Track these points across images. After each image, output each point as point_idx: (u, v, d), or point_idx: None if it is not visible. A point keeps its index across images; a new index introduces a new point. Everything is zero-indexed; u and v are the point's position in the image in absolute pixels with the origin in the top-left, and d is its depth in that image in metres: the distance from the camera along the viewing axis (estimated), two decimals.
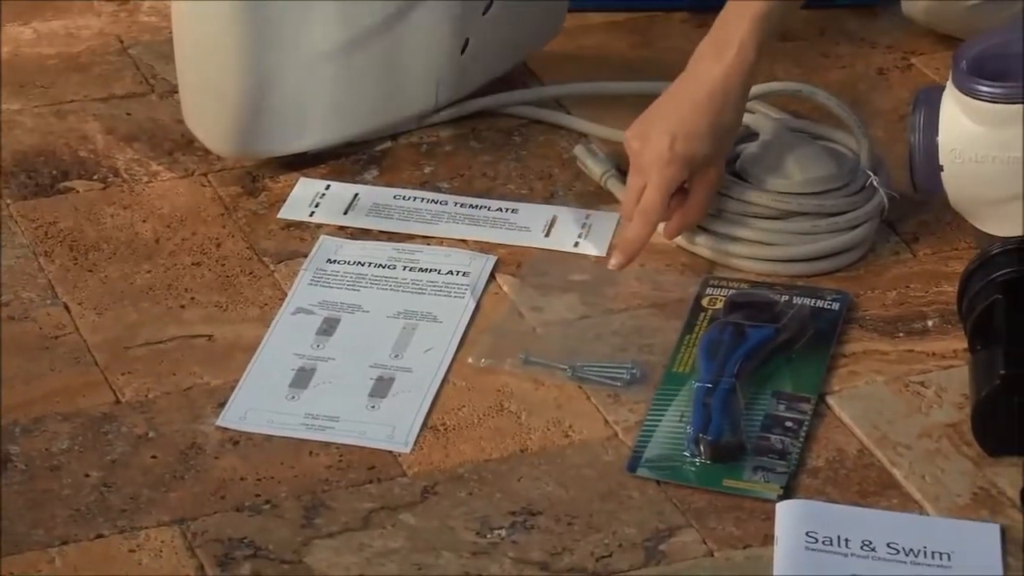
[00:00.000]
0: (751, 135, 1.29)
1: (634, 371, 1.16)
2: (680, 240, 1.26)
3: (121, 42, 1.47)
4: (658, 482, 1.09)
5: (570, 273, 1.25)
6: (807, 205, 1.24)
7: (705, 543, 1.05)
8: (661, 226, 1.22)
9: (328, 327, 1.20)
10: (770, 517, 1.06)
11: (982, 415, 1.09)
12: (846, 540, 1.04)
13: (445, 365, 1.17)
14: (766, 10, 1.16)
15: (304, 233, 1.29)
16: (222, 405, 1.14)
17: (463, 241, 1.28)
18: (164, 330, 1.20)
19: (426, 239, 1.28)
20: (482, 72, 1.38)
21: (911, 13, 1.44)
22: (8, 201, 1.31)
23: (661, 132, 1.17)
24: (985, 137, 1.19)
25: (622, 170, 1.32)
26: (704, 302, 1.21)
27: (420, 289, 1.23)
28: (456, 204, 1.31)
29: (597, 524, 1.06)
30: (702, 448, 1.09)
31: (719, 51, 1.17)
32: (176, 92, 1.36)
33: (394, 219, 1.30)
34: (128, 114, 1.40)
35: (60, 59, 1.45)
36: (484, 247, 1.27)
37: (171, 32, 1.32)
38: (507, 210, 1.30)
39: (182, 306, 1.22)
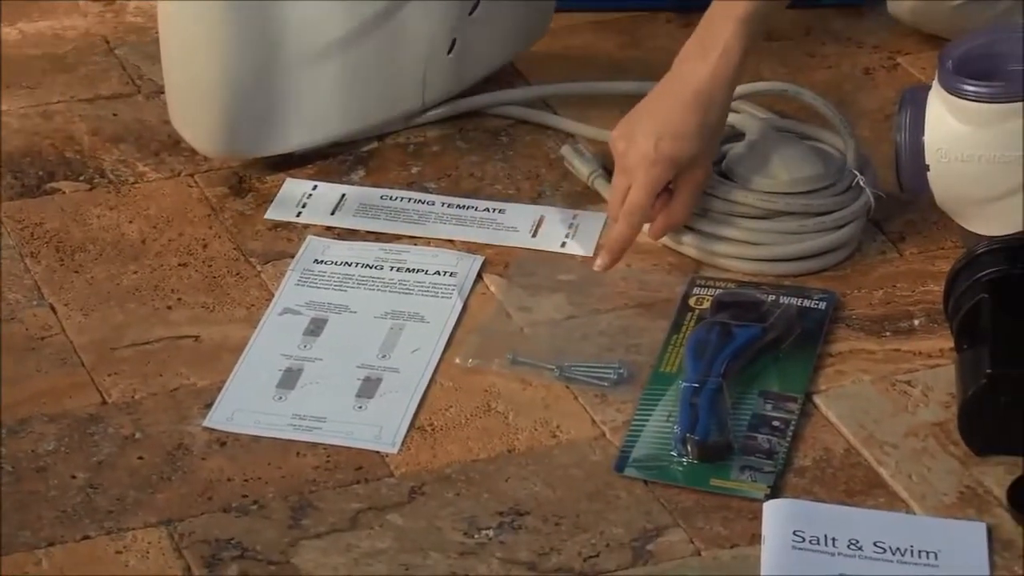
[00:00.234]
0: (737, 135, 1.29)
1: (621, 371, 1.16)
2: (667, 240, 1.26)
3: (107, 43, 1.47)
4: (645, 482, 1.09)
5: (557, 273, 1.25)
6: (794, 205, 1.24)
7: (692, 543, 1.05)
8: (647, 227, 1.22)
9: (315, 327, 1.20)
10: (757, 516, 1.06)
11: (968, 414, 1.10)
12: (833, 539, 1.04)
13: (432, 365, 1.17)
14: (751, 10, 1.17)
15: (291, 233, 1.29)
16: (209, 406, 1.14)
17: (450, 241, 1.28)
18: (151, 331, 1.20)
19: (413, 239, 1.28)
20: (469, 72, 1.38)
21: (897, 13, 1.44)
22: None
23: (647, 132, 1.18)
24: (971, 136, 1.19)
25: (609, 170, 1.32)
26: (691, 302, 1.21)
27: (407, 289, 1.23)
28: (443, 204, 1.31)
29: (584, 524, 1.06)
30: (689, 448, 1.09)
31: (704, 51, 1.17)
32: (162, 93, 1.36)
33: (381, 219, 1.30)
34: (114, 115, 1.40)
35: (46, 60, 1.45)
36: (471, 247, 1.27)
37: (157, 32, 1.32)
38: (494, 210, 1.30)
39: (169, 307, 1.22)
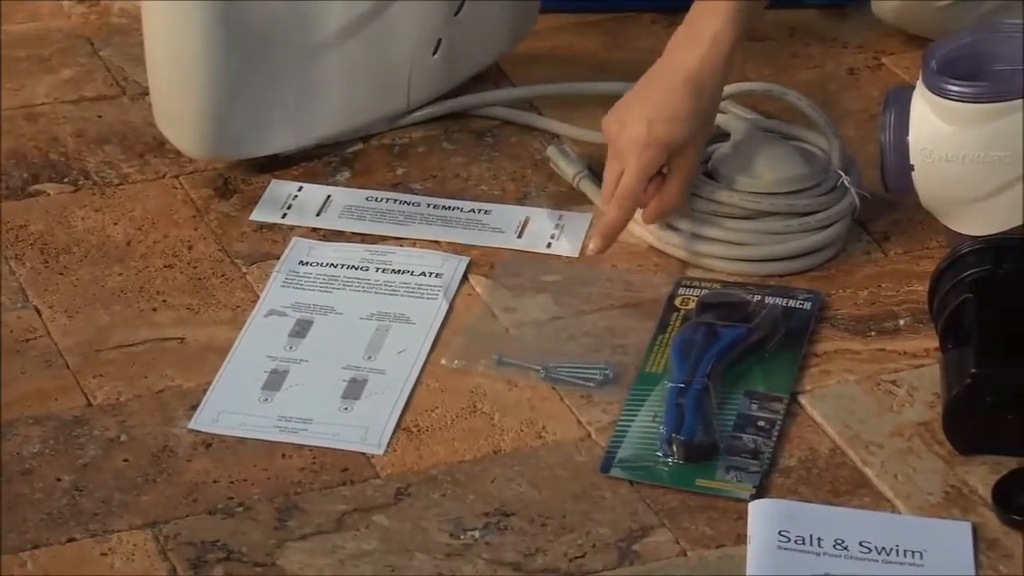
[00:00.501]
0: (722, 135, 1.30)
1: (607, 371, 1.16)
2: (652, 240, 1.26)
3: (92, 44, 1.47)
4: (631, 482, 1.09)
5: (543, 274, 1.25)
6: (779, 205, 1.25)
7: (678, 543, 1.05)
8: (639, 214, 1.22)
9: (301, 329, 1.20)
10: (743, 516, 1.06)
11: (953, 414, 1.10)
12: (818, 539, 1.04)
13: (418, 366, 1.17)
14: (735, 7, 1.17)
15: (276, 235, 1.29)
16: (194, 408, 1.14)
17: (436, 242, 1.28)
18: (136, 333, 1.20)
19: (399, 240, 1.28)
20: (454, 73, 1.38)
21: (881, 13, 1.44)
22: None
23: (639, 117, 1.18)
24: (955, 136, 1.19)
25: (595, 171, 1.32)
26: (677, 302, 1.21)
27: (393, 291, 1.23)
28: (429, 205, 1.31)
29: (570, 525, 1.06)
30: (675, 448, 1.10)
31: (693, 39, 1.18)
32: (147, 94, 1.35)
33: (367, 220, 1.30)
34: (99, 116, 1.40)
35: (30, 61, 1.45)
36: (457, 248, 1.27)
37: (142, 34, 1.32)
38: (480, 211, 1.30)
39: (154, 309, 1.22)
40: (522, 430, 1.13)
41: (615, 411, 1.14)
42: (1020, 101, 1.18)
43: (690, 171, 1.20)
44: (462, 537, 1.05)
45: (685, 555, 1.05)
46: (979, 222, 1.21)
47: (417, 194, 1.32)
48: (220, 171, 1.34)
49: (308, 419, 1.13)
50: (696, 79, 1.17)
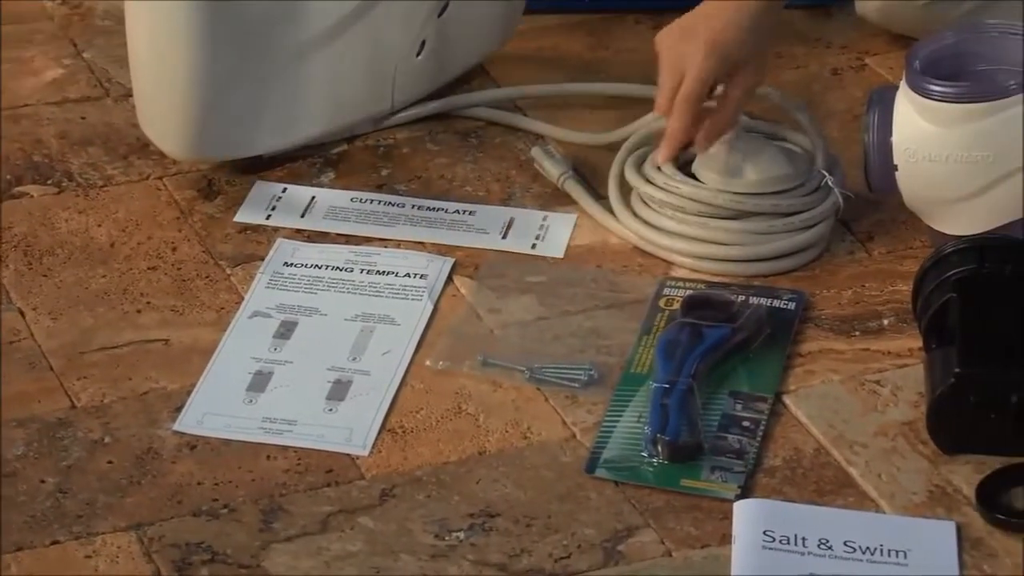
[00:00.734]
0: None
1: (592, 372, 1.16)
2: (636, 240, 1.26)
3: (75, 46, 1.47)
4: (616, 483, 1.09)
5: (528, 275, 1.25)
6: (763, 205, 1.25)
7: (663, 543, 1.05)
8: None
9: (285, 330, 1.20)
10: (728, 516, 1.06)
11: (937, 413, 1.10)
12: (803, 539, 1.04)
13: (403, 368, 1.17)
14: None
15: (260, 236, 1.28)
16: (179, 409, 1.14)
17: (420, 243, 1.28)
18: (120, 335, 1.20)
19: (383, 242, 1.28)
20: (438, 74, 1.38)
21: (864, 12, 1.45)
22: None
23: (703, 27, 1.19)
24: (939, 137, 1.20)
25: (579, 171, 1.32)
26: (661, 303, 1.21)
27: (378, 292, 1.23)
28: (413, 206, 1.31)
29: (556, 525, 1.06)
30: (660, 448, 1.10)
31: None
32: (131, 96, 1.35)
33: (351, 222, 1.30)
34: (83, 118, 1.39)
35: (13, 64, 1.44)
36: (442, 249, 1.27)
37: (125, 36, 1.31)
38: (464, 212, 1.30)
39: (138, 311, 1.22)
40: (507, 431, 1.13)
41: (600, 412, 1.14)
42: (1003, 101, 1.18)
43: (748, 90, 1.22)
44: (447, 538, 1.05)
45: (670, 555, 1.05)
46: (963, 222, 1.21)
47: (402, 195, 1.32)
48: (204, 172, 1.34)
49: (293, 420, 1.13)
50: (754, 10, 1.19)
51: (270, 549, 1.05)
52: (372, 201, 1.31)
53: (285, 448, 1.11)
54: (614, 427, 1.12)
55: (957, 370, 1.09)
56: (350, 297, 1.23)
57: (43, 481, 1.09)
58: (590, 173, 1.32)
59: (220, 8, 1.27)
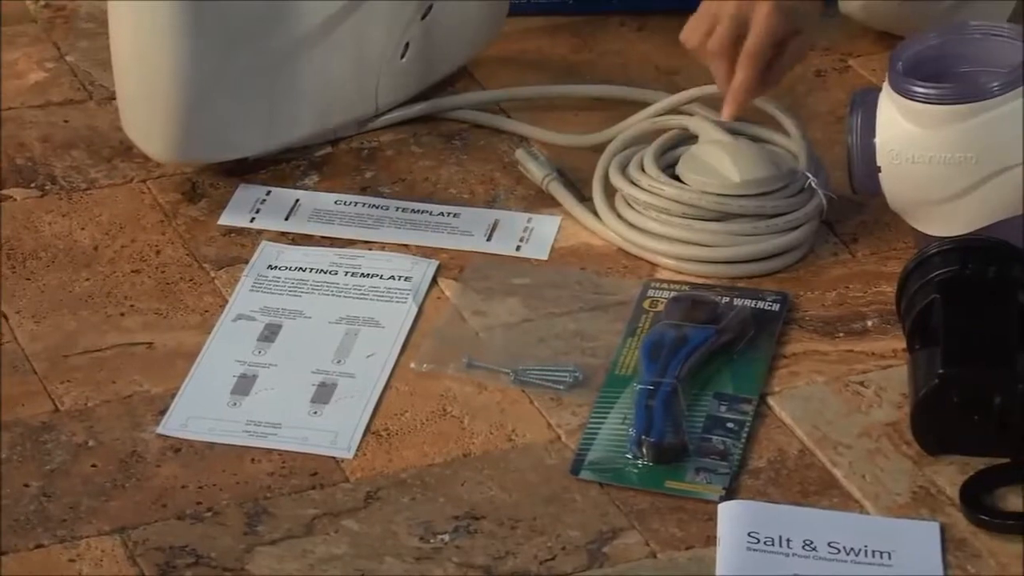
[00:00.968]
0: (690, 137, 1.30)
1: (576, 374, 1.16)
2: (621, 242, 1.26)
3: (58, 49, 1.46)
4: (601, 484, 1.09)
5: (512, 277, 1.25)
6: (747, 207, 1.25)
7: (648, 545, 1.05)
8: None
9: (270, 333, 1.20)
10: (712, 518, 1.06)
11: (921, 414, 1.10)
12: (787, 540, 1.04)
13: (387, 370, 1.17)
14: None
15: (245, 239, 1.28)
16: (163, 413, 1.14)
17: (405, 246, 1.28)
18: (103, 338, 1.19)
19: (368, 244, 1.28)
20: (422, 77, 1.38)
21: (847, 9, 1.45)
22: None
23: None
24: (922, 138, 1.20)
25: (563, 173, 1.32)
26: (646, 304, 1.22)
27: (362, 294, 1.23)
28: (397, 209, 1.31)
29: (540, 527, 1.06)
30: (644, 450, 1.10)
31: None
32: (114, 99, 1.35)
33: (335, 224, 1.29)
34: (66, 121, 1.39)
35: None
36: (426, 252, 1.27)
37: (108, 39, 1.31)
38: (449, 214, 1.30)
39: (122, 314, 1.22)
40: (492, 433, 1.13)
41: (585, 413, 1.14)
42: (986, 102, 1.18)
43: (800, 53, 1.25)
44: (432, 541, 1.05)
45: (655, 557, 1.05)
46: (946, 223, 1.21)
47: (386, 197, 1.32)
48: (188, 175, 1.33)
49: (277, 423, 1.13)
50: None
51: (255, 552, 1.05)
52: (356, 204, 1.31)
53: (270, 451, 1.11)
54: (599, 429, 1.12)
55: (941, 371, 1.09)
56: (334, 300, 1.23)
57: (27, 485, 1.09)
58: (574, 175, 1.33)
59: (204, 11, 1.27)
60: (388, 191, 1.33)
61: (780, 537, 1.04)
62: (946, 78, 1.21)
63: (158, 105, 1.29)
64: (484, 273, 1.25)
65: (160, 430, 1.12)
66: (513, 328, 1.20)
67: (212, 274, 1.25)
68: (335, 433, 1.12)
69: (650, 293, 1.22)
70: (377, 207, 1.31)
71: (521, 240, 1.28)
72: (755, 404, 1.14)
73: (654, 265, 1.25)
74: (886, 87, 1.21)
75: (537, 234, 1.28)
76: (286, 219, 1.30)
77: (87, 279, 1.24)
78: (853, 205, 1.28)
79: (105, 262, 1.26)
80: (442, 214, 1.30)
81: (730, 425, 1.12)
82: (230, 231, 1.29)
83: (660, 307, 1.21)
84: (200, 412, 1.14)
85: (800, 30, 1.24)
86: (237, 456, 1.11)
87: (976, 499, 1.07)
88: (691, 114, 1.32)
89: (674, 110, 1.32)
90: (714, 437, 1.11)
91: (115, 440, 1.12)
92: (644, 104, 1.34)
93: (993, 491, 1.08)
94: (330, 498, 1.08)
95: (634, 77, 1.42)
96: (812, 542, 1.04)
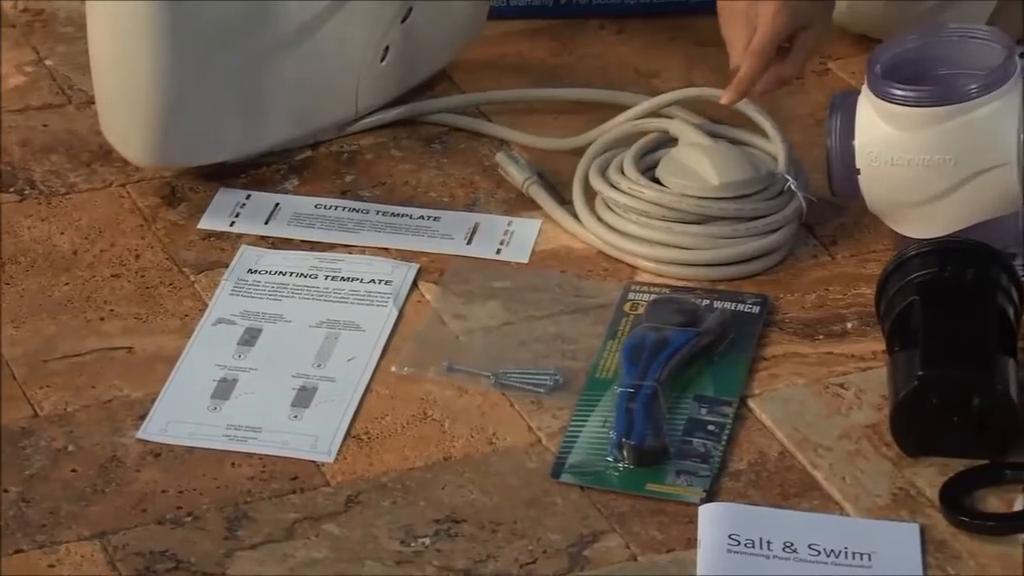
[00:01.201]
0: (670, 140, 1.30)
1: (557, 377, 1.16)
2: (601, 245, 1.27)
3: (37, 53, 1.46)
4: (582, 487, 1.09)
5: (492, 280, 1.25)
6: (727, 209, 1.25)
7: (629, 547, 1.05)
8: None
9: (250, 337, 1.20)
10: (693, 520, 1.06)
11: (901, 416, 1.10)
12: (768, 542, 1.04)
13: (368, 374, 1.17)
14: None
15: (225, 243, 1.28)
16: (143, 417, 1.13)
17: (385, 250, 1.27)
18: (83, 343, 1.19)
19: (348, 248, 1.28)
20: (402, 80, 1.38)
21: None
22: None
23: None
24: (900, 140, 1.20)
25: (543, 176, 1.32)
26: (626, 307, 1.22)
27: (342, 298, 1.23)
28: (378, 212, 1.31)
29: (521, 531, 1.06)
30: (625, 453, 1.10)
31: None
32: (93, 103, 1.35)
33: (316, 228, 1.29)
34: (44, 125, 1.39)
35: None
36: (406, 255, 1.27)
37: (87, 43, 1.31)
38: (429, 218, 1.30)
39: (101, 318, 1.21)
40: (472, 436, 1.13)
41: (565, 416, 1.14)
42: (964, 104, 1.19)
43: (811, 45, 1.26)
44: (413, 544, 1.05)
45: (636, 560, 1.05)
46: (925, 225, 1.21)
47: (366, 201, 1.32)
48: (167, 179, 1.33)
49: (258, 428, 1.13)
50: None
51: (235, 557, 1.05)
52: (336, 207, 1.31)
53: (250, 455, 1.11)
54: (579, 432, 1.12)
55: (920, 373, 1.09)
56: (315, 304, 1.23)
57: (6, 490, 1.08)
58: (554, 178, 1.33)
59: (182, 14, 1.26)
60: (368, 195, 1.33)
61: (760, 539, 1.05)
62: (924, 80, 1.21)
63: (137, 109, 1.29)
64: (464, 276, 1.25)
65: (140, 435, 1.12)
66: (493, 331, 1.20)
67: (192, 278, 1.25)
68: (315, 437, 1.12)
69: (630, 296, 1.23)
70: (357, 211, 1.31)
71: (501, 243, 1.28)
72: (735, 406, 1.14)
73: (634, 268, 1.25)
74: (865, 90, 1.22)
75: (517, 237, 1.28)
76: (266, 223, 1.30)
77: (66, 283, 1.24)
78: (832, 207, 1.29)
79: (84, 266, 1.26)
80: (422, 218, 1.30)
81: (710, 428, 1.12)
82: (210, 235, 1.29)
83: (640, 310, 1.21)
84: (180, 416, 1.13)
85: (808, 25, 1.26)
86: (217, 460, 1.11)
87: (956, 500, 1.07)
88: (671, 117, 1.33)
89: (654, 113, 1.33)
90: (694, 440, 1.11)
91: (95, 445, 1.12)
92: (624, 107, 1.34)
93: (972, 492, 1.08)
94: (310, 502, 1.08)
95: (614, 80, 1.42)
96: (792, 544, 1.04)
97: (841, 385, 1.16)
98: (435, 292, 1.24)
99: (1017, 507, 1.07)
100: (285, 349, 1.19)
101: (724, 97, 1.26)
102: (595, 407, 1.14)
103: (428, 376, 1.16)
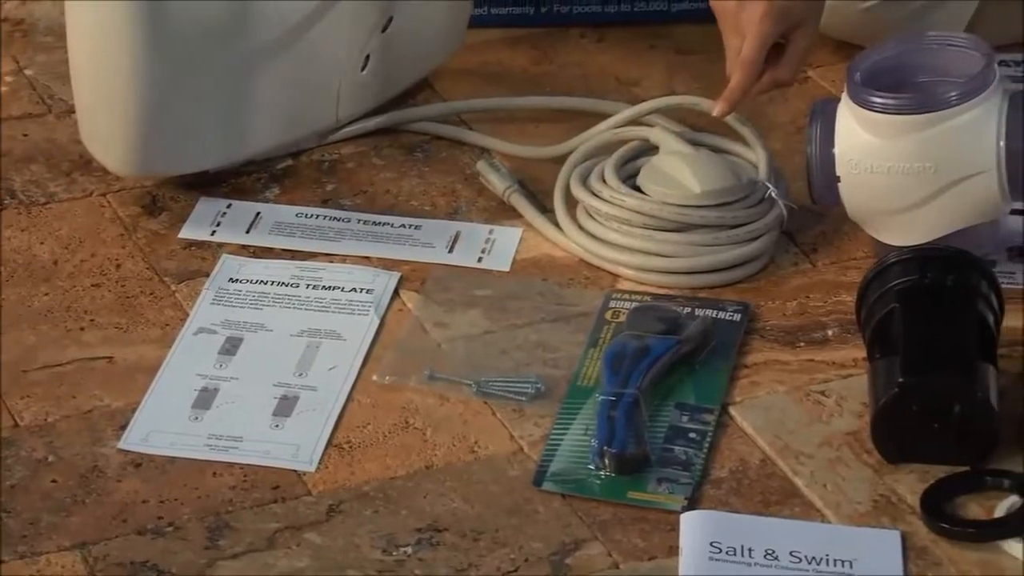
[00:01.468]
0: (651, 148, 1.30)
1: (539, 385, 1.16)
2: (582, 253, 1.27)
3: (17, 62, 1.46)
4: (563, 496, 1.09)
5: (474, 288, 1.25)
6: (708, 217, 1.25)
7: (611, 555, 1.05)
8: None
9: (231, 346, 1.19)
10: (675, 528, 1.06)
11: (881, 423, 1.11)
12: (749, 550, 1.05)
13: (349, 383, 1.17)
14: None
15: (206, 252, 1.28)
16: (123, 427, 1.13)
17: (366, 258, 1.27)
18: (63, 353, 1.19)
19: (329, 257, 1.28)
20: (383, 89, 1.38)
21: None
22: None
23: None
24: (880, 148, 1.20)
25: (524, 185, 1.32)
26: (607, 315, 1.22)
27: (324, 307, 1.23)
28: (359, 221, 1.31)
29: (503, 539, 1.06)
30: (607, 461, 1.10)
31: None
32: (73, 113, 1.34)
33: (297, 237, 1.29)
34: (24, 135, 1.38)
35: None
36: (387, 264, 1.27)
37: (67, 52, 1.31)
38: (410, 226, 1.30)
39: (81, 328, 1.21)
40: (454, 445, 1.13)
41: (547, 425, 1.14)
42: (943, 112, 1.19)
43: (805, 45, 1.27)
44: (395, 553, 1.05)
45: (617, 568, 1.05)
46: (905, 232, 1.22)
47: (347, 210, 1.32)
48: (148, 188, 1.33)
49: (239, 437, 1.13)
50: None
51: (216, 566, 1.04)
52: (318, 216, 1.31)
53: (231, 465, 1.11)
54: (561, 440, 1.12)
55: (900, 380, 1.09)
56: (296, 313, 1.22)
57: None
58: (536, 186, 1.33)
59: (163, 23, 1.26)
60: (349, 203, 1.32)
61: (742, 547, 1.05)
62: (904, 88, 1.21)
63: (117, 118, 1.29)
64: (446, 285, 1.25)
65: (121, 445, 1.12)
66: (475, 340, 1.20)
67: (173, 287, 1.25)
68: (297, 446, 1.12)
69: (612, 304, 1.23)
70: (338, 219, 1.31)
71: (483, 252, 1.28)
72: (717, 414, 1.14)
73: (615, 276, 1.25)
74: (845, 97, 1.22)
75: (499, 246, 1.28)
76: (247, 232, 1.30)
77: (46, 293, 1.24)
78: (813, 215, 1.29)
79: (65, 276, 1.25)
80: (404, 226, 1.30)
81: (692, 435, 1.12)
82: (191, 244, 1.28)
83: (622, 318, 1.21)
84: (161, 426, 1.13)
85: (800, 23, 1.26)
86: (198, 470, 1.10)
87: (936, 507, 1.07)
88: (652, 125, 1.33)
89: (634, 121, 1.33)
90: (676, 447, 1.11)
91: (75, 455, 1.11)
92: (604, 115, 1.35)
93: (953, 499, 1.08)
94: (292, 511, 1.08)
95: (594, 88, 1.42)
96: (774, 551, 1.04)
97: (822, 392, 1.16)
98: (417, 300, 1.24)
99: (998, 514, 1.07)
100: (266, 358, 1.19)
101: (716, 109, 1.27)
102: (577, 415, 1.14)
103: (410, 385, 1.16)
